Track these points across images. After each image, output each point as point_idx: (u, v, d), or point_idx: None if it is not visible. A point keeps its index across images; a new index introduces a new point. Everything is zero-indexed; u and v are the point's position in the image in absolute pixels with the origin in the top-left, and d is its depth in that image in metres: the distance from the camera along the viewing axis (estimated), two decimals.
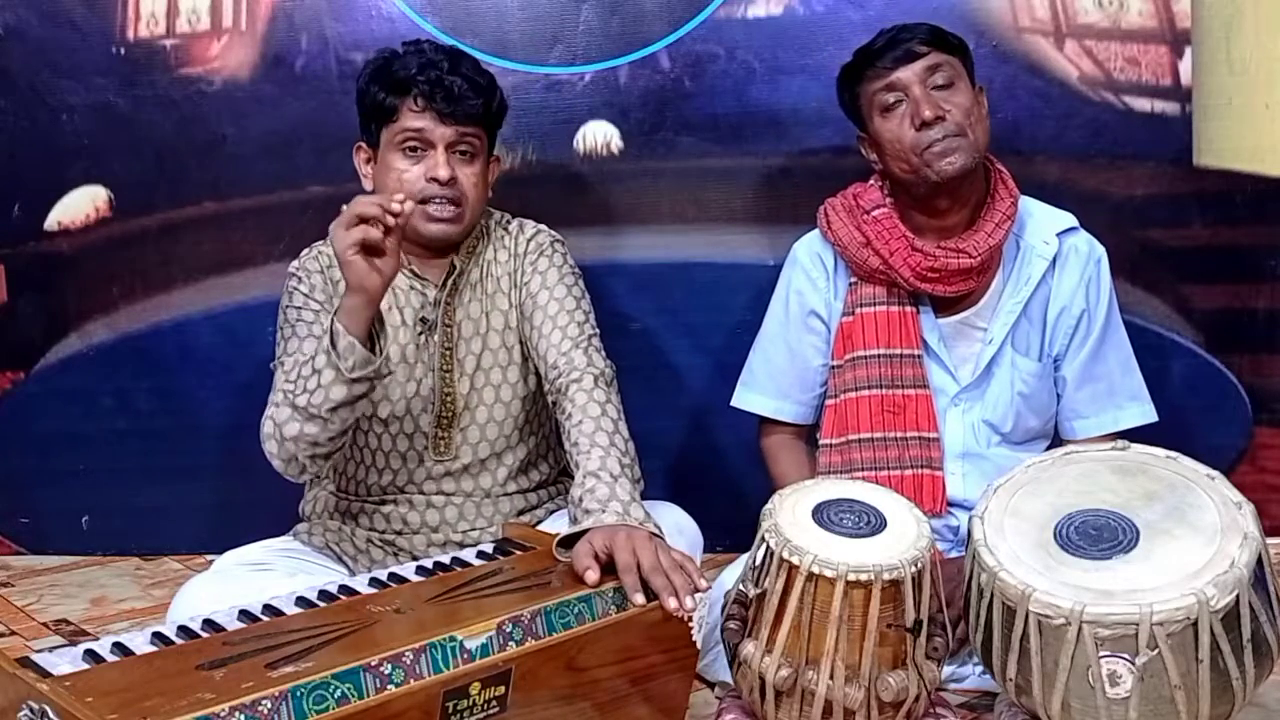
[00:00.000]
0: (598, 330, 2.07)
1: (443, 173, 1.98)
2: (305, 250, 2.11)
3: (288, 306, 2.05)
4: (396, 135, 2.00)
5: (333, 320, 1.80)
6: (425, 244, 2.04)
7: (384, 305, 2.00)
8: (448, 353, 2.06)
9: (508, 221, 2.16)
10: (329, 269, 2.05)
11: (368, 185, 2.08)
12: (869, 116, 2.09)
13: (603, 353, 2.03)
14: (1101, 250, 2.17)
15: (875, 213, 2.11)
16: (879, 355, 2.12)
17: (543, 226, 2.16)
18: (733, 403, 2.28)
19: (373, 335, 1.83)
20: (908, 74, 2.03)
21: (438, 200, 1.99)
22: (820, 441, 2.18)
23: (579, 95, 2.62)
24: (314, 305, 2.02)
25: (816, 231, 2.20)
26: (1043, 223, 2.16)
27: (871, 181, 2.16)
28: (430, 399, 2.06)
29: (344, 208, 1.78)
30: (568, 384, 1.96)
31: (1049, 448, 2.20)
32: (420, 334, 2.06)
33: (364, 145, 2.08)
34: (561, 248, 2.14)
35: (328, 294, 2.04)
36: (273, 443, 1.90)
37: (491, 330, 2.09)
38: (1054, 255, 2.12)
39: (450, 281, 2.06)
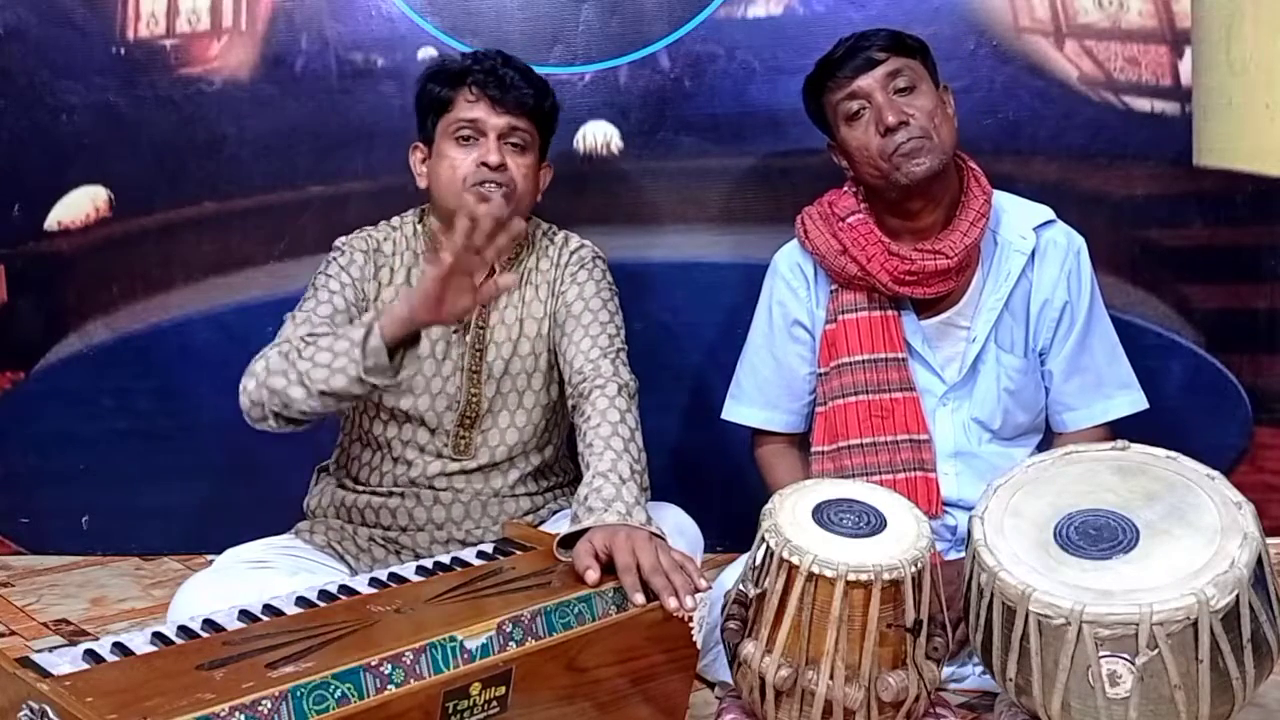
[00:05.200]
0: (626, 346, 2.08)
1: (493, 158, 2.00)
2: (356, 231, 2.14)
3: (321, 272, 2.08)
4: (451, 125, 2.03)
5: (374, 318, 1.78)
6: None
7: None
8: (478, 355, 2.07)
9: (554, 233, 2.18)
10: (374, 252, 2.09)
11: (422, 184, 2.11)
12: (835, 125, 2.09)
13: (629, 367, 2.04)
14: (1081, 241, 2.17)
15: (850, 219, 2.11)
16: (864, 361, 2.11)
17: (587, 241, 2.18)
18: (723, 416, 2.28)
19: (394, 350, 1.80)
20: (868, 81, 2.03)
21: (487, 184, 1.99)
22: (812, 449, 2.18)
23: (579, 95, 2.61)
24: (345, 278, 2.05)
25: (795, 241, 2.20)
26: (1018, 217, 2.16)
27: (845, 187, 2.16)
28: (456, 398, 2.07)
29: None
30: (591, 389, 1.97)
31: (1041, 442, 2.21)
32: (454, 332, 2.07)
33: (420, 145, 2.11)
34: (602, 264, 2.16)
35: (364, 275, 2.07)
36: (252, 381, 1.88)
37: (524, 337, 2.10)
38: (1032, 249, 2.12)
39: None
